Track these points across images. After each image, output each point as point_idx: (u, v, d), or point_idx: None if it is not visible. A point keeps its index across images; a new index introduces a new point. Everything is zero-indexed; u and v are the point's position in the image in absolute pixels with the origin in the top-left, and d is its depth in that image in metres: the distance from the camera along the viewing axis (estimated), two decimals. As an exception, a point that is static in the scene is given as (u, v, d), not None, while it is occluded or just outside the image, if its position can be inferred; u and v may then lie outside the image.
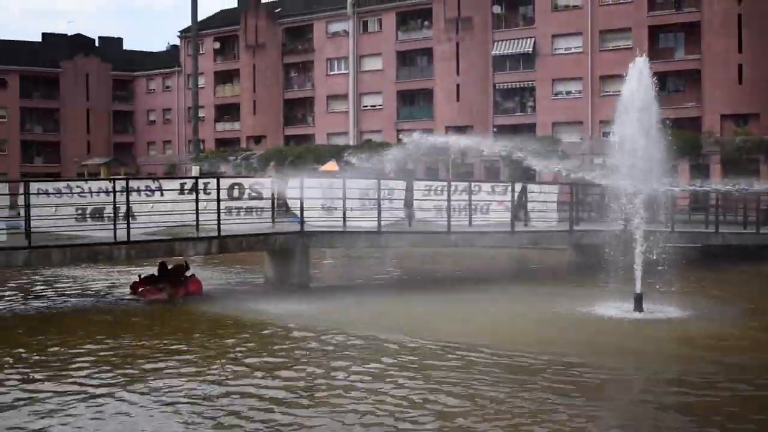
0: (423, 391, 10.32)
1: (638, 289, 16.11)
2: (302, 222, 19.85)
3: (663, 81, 44.58)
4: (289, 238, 19.77)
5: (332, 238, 20.85)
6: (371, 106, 63.81)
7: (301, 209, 19.73)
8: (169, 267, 19.43)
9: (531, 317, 15.81)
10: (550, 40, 54.72)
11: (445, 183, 22.41)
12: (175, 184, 19.32)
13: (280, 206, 20.50)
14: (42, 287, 21.11)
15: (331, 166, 50.98)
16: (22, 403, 9.95)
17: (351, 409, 9.59)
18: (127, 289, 19.53)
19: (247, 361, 12.18)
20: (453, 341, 13.28)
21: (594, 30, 52.73)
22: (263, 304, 17.61)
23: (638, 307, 16.04)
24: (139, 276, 19.57)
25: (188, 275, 19.35)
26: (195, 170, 38.12)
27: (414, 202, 21.65)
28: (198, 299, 18.37)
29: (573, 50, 54.01)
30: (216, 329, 14.92)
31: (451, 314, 16.28)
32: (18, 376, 11.30)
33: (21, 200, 17.11)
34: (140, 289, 18.92)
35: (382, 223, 20.53)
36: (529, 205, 23.47)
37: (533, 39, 55.25)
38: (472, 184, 22.98)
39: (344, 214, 20.19)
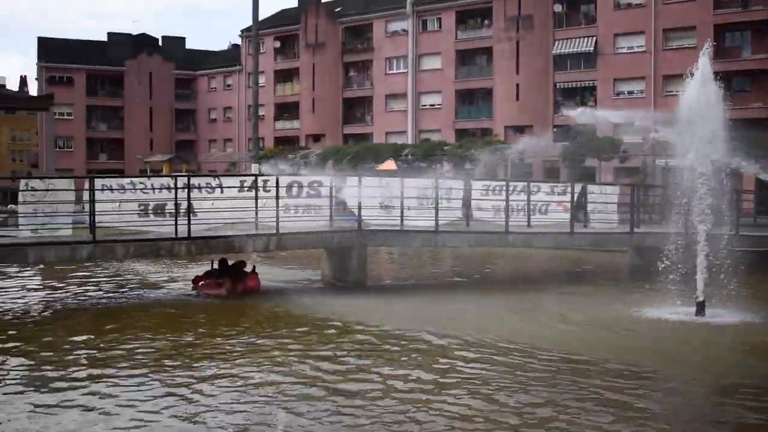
0: (480, 394, 10.26)
1: (700, 293, 15.79)
2: (360, 220, 19.91)
3: (728, 81, 43.53)
4: (347, 236, 19.85)
5: (390, 237, 20.85)
6: (430, 105, 63.71)
7: (359, 208, 19.79)
8: (230, 263, 19.72)
9: (591, 320, 15.60)
10: (612, 39, 53.95)
11: (504, 183, 22.24)
12: (235, 181, 19.57)
13: (337, 204, 20.56)
14: (104, 281, 21.55)
15: (389, 164, 51.13)
16: (80, 395, 10.18)
17: (412, 407, 9.59)
18: (188, 284, 19.88)
19: (303, 356, 12.25)
20: (513, 343, 13.18)
21: (657, 28, 51.82)
22: (321, 300, 17.76)
23: (700, 311, 15.71)
24: (212, 262, 19.84)
25: (247, 271, 19.62)
26: (255, 168, 38.50)
27: (472, 201, 21.55)
28: (256, 295, 18.60)
29: (636, 49, 53.14)
30: (274, 325, 15.07)
31: (510, 315, 16.16)
32: (78, 369, 11.53)
33: (86, 195, 17.51)
34: (201, 284, 19.32)
35: (440, 222, 20.49)
36: (589, 206, 23.18)
37: (595, 38, 54.55)
38: (531, 184, 22.79)
39: (402, 212, 20.18)
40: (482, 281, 22.63)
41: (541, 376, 11.12)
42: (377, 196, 20.25)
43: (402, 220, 20.26)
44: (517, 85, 56.92)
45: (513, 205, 21.37)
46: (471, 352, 12.64)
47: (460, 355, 12.44)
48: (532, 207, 21.64)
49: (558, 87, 56.54)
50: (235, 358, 12.18)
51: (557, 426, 8.99)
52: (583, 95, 56.19)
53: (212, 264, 19.86)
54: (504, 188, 21.54)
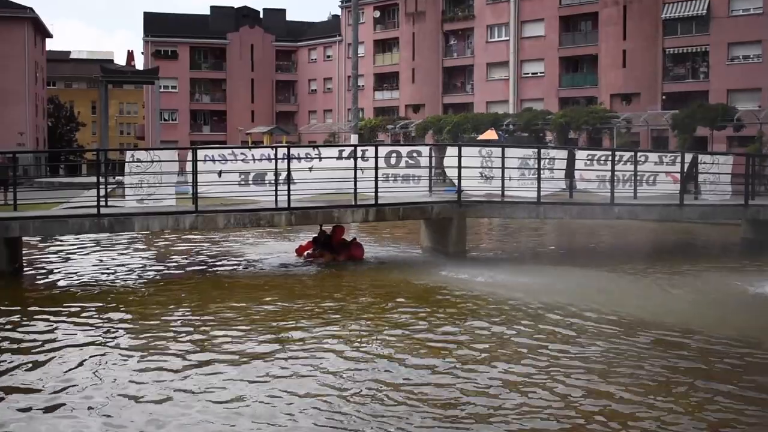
0: (597, 371, 10.01)
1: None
2: (459, 191, 19.73)
3: None
4: (447, 206, 19.71)
5: (490, 208, 20.60)
6: (532, 73, 62.63)
7: (459, 178, 19.60)
8: (325, 230, 19.97)
9: (705, 296, 15.04)
10: (727, 1, 51.65)
11: (609, 152, 21.63)
12: (334, 151, 19.66)
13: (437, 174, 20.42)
14: (207, 251, 22.06)
15: (490, 134, 50.61)
16: (179, 364, 10.42)
17: (520, 376, 9.47)
18: (292, 254, 20.21)
19: (414, 327, 12.22)
20: (622, 318, 12.80)
21: (777, -12, 49.34)
22: (426, 271, 17.74)
23: (821, 287, 14.97)
24: (322, 229, 20.14)
25: (351, 240, 19.82)
26: (354, 139, 38.70)
27: (576, 172, 21.07)
28: (360, 265, 18.81)
29: (752, 11, 50.74)
30: (379, 293, 15.15)
31: (617, 289, 15.74)
32: (180, 339, 11.78)
33: (189, 166, 17.93)
34: (305, 253, 19.71)
35: (542, 193, 20.10)
36: (700, 177, 22.32)
37: (707, 0, 52.35)
38: (639, 153, 22.09)
39: (502, 183, 19.90)
40: (587, 254, 22.13)
41: (657, 352, 10.73)
42: (477, 166, 20.02)
43: (503, 191, 19.98)
44: (624, 51, 55.24)
45: (619, 176, 20.80)
46: (584, 324, 12.34)
47: (573, 328, 12.15)
48: (639, 177, 21.00)
49: (667, 53, 54.60)
50: (342, 325, 12.28)
51: (683, 409, 8.68)
52: (695, 61, 54.13)
53: (321, 231, 20.08)
54: (609, 158, 20.95)
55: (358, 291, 15.76)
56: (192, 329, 12.20)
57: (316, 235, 20.22)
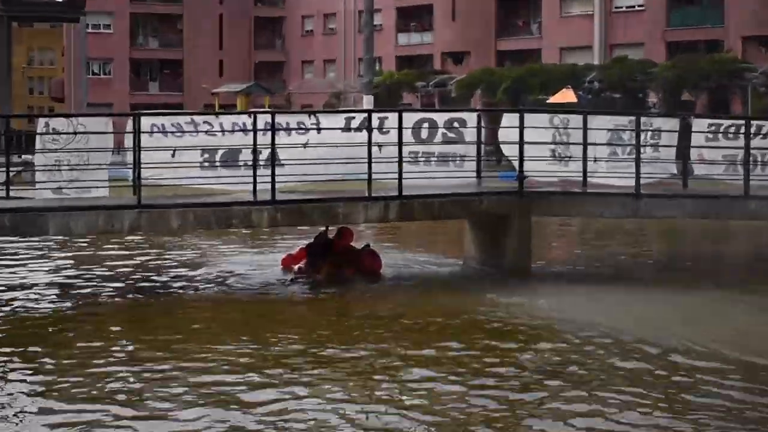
0: None
1: None
2: (522, 177, 19.69)
3: None
4: (503, 199, 19.68)
5: (566, 202, 20.59)
6: (627, 7, 62.54)
7: (521, 159, 19.56)
8: (330, 235, 19.99)
9: None
10: None
11: (742, 121, 21.56)
12: (339, 120, 19.66)
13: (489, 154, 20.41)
14: (157, 263, 22.13)
15: (566, 95, 50.63)
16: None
17: None
18: (276, 267, 20.32)
19: (451, 382, 12.11)
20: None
21: None
22: (471, 293, 17.75)
23: None
24: (327, 229, 20.23)
25: (362, 248, 19.93)
26: (368, 102, 38.81)
27: (692, 150, 21.01)
28: (375, 283, 18.94)
29: None
30: (407, 330, 15.07)
31: (754, 322, 15.65)
32: (106, 389, 11.66)
33: (129, 141, 17.94)
34: (296, 267, 19.80)
35: (643, 181, 20.05)
36: None
37: None
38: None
39: (584, 166, 19.86)
40: (705, 269, 22.02)
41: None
42: (548, 142, 19.99)
43: (584, 178, 19.96)
44: (762, -25, 55.12)
45: (756, 156, 20.72)
46: (695, 376, 12.24)
47: (679, 378, 12.10)
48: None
49: (828, -25, 54.38)
50: (345, 378, 12.20)
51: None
52: None
53: (320, 233, 20.15)
54: (741, 130, 20.87)
55: (369, 325, 15.70)
56: (123, 378, 12.12)
57: (312, 240, 20.22)
